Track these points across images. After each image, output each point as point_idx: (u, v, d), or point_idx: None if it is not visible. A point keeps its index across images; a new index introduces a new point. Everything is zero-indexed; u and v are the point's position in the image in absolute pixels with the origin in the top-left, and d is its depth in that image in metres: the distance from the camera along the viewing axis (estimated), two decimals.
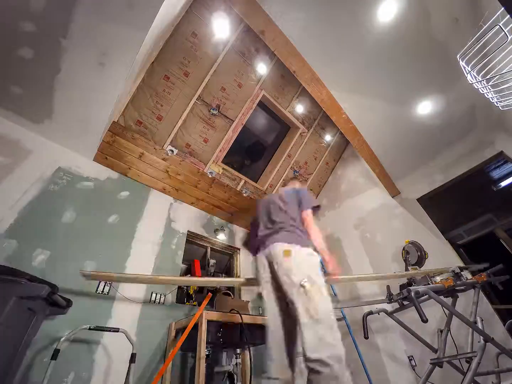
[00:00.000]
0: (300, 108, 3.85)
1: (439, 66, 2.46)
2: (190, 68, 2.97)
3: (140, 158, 3.11)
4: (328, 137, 4.37)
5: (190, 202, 3.64)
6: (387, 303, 2.14)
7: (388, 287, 2.23)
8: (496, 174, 3.03)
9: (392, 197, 3.71)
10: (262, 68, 3.32)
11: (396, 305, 2.12)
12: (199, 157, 3.44)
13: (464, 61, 1.22)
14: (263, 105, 3.74)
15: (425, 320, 1.53)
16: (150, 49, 2.50)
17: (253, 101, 3.47)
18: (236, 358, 2.48)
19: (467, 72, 1.19)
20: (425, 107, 2.78)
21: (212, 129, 3.38)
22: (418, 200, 3.44)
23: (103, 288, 2.36)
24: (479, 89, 1.21)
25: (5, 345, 1.40)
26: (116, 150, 2.95)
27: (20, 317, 1.51)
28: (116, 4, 1.75)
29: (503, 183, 2.94)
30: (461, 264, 2.59)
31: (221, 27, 2.87)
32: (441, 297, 2.03)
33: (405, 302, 2.02)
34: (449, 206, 3.27)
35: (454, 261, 2.73)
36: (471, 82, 1.19)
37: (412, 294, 1.66)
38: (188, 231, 3.40)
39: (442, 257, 2.83)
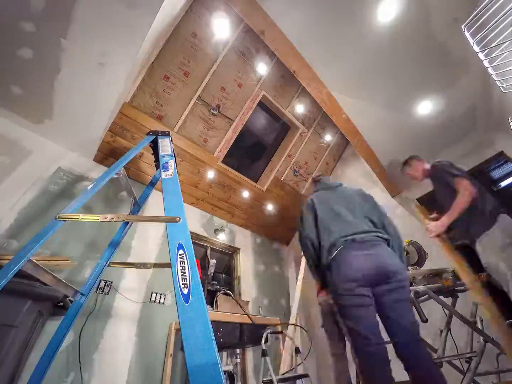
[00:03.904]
0: (300, 108, 3.84)
1: (439, 65, 2.46)
2: (190, 68, 2.97)
3: (140, 158, 3.11)
4: (328, 137, 4.37)
5: (190, 202, 3.63)
6: None
7: None
8: (496, 174, 3.03)
9: (392, 197, 3.71)
10: (262, 68, 3.32)
11: None
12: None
13: (469, 32, 1.21)
14: (263, 105, 3.74)
15: (424, 320, 1.53)
16: (150, 49, 2.50)
17: (253, 101, 3.47)
18: (236, 358, 2.48)
19: (472, 43, 1.18)
20: (425, 107, 2.78)
21: (212, 129, 3.38)
22: (418, 200, 3.44)
23: (103, 288, 2.36)
24: (484, 61, 1.20)
25: (18, 348, 1.44)
26: (116, 150, 2.95)
27: (30, 319, 1.52)
28: (116, 4, 1.75)
29: (503, 183, 2.94)
30: None
31: (221, 27, 2.87)
32: (441, 297, 2.03)
33: None
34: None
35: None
36: (477, 51, 1.18)
37: (412, 294, 1.66)
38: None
39: (442, 257, 2.82)
